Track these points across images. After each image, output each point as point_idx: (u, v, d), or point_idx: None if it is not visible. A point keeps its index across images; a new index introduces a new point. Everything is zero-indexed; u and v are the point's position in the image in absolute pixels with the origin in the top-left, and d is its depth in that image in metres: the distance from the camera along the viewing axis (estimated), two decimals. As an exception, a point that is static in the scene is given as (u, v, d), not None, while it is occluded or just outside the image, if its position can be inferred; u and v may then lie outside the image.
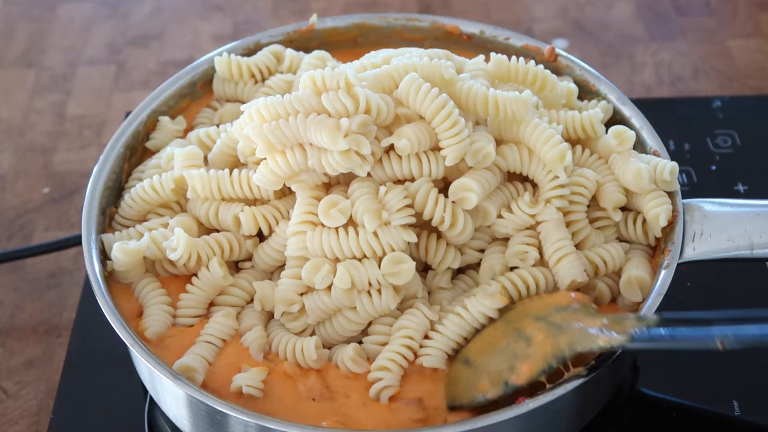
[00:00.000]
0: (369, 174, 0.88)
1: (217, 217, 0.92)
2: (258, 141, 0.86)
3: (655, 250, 0.92)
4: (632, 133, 0.94)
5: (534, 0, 1.50)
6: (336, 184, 0.90)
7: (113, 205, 0.96)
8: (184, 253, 0.89)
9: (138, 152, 1.01)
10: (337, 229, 0.86)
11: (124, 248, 0.89)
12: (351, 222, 0.87)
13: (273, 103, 0.86)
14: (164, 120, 1.03)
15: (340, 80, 0.85)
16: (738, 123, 1.24)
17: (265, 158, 0.87)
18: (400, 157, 0.88)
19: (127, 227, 0.94)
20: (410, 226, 0.87)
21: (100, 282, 0.88)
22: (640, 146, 0.96)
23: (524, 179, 0.92)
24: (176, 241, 0.89)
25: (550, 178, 0.89)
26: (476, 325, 0.86)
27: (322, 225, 0.87)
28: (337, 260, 0.87)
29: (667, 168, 0.90)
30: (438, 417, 0.84)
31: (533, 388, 0.82)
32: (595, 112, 0.95)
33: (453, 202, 0.87)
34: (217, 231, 0.93)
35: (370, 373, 0.85)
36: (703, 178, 1.17)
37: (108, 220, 0.96)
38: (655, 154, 0.95)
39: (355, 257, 0.86)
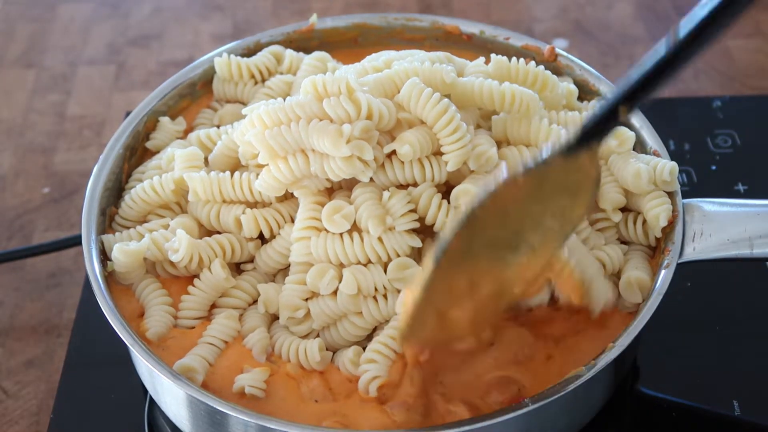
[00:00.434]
0: (372, 179, 0.88)
1: (218, 219, 0.92)
2: (260, 147, 0.86)
3: (655, 251, 0.92)
4: (632, 134, 0.94)
5: (534, 0, 1.50)
6: (338, 189, 0.90)
7: (113, 206, 0.96)
8: (186, 255, 0.89)
9: (138, 152, 1.01)
10: (341, 234, 0.86)
11: (124, 249, 0.89)
12: (355, 227, 0.87)
13: (275, 110, 0.86)
14: (164, 120, 1.03)
15: (341, 85, 0.85)
16: (738, 123, 1.24)
17: (267, 164, 0.87)
18: (402, 162, 0.88)
19: (128, 228, 0.94)
20: (414, 231, 0.87)
21: (101, 282, 0.88)
22: (640, 146, 0.96)
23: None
24: (178, 242, 0.89)
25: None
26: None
27: (326, 231, 0.87)
28: (342, 266, 0.87)
29: (667, 168, 0.90)
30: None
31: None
32: (595, 113, 0.95)
33: (455, 207, 0.87)
34: (218, 232, 0.93)
35: (359, 367, 0.85)
36: (703, 178, 1.17)
37: (108, 221, 0.96)
38: (655, 154, 0.95)
39: (359, 263, 0.86)
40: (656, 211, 0.89)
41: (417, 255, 0.89)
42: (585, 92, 1.03)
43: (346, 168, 0.85)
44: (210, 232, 0.93)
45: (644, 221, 0.91)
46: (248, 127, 0.88)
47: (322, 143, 0.84)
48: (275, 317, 0.90)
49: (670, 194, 0.91)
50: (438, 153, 0.88)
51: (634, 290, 0.88)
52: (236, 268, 0.93)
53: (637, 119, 0.98)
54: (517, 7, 1.49)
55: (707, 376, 0.98)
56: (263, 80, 1.05)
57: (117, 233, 0.94)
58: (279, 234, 0.91)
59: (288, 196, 0.92)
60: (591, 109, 0.98)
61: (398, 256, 0.86)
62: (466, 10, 1.48)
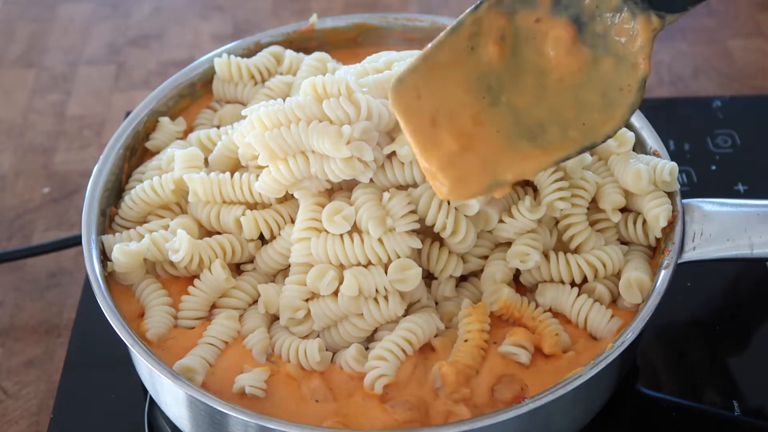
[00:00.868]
0: (372, 180, 0.88)
1: (218, 220, 0.92)
2: (260, 149, 0.86)
3: (654, 251, 0.92)
4: (631, 134, 0.94)
5: (534, 0, 1.50)
6: (339, 190, 0.90)
7: (113, 206, 0.96)
8: (187, 255, 0.89)
9: (138, 152, 1.01)
10: (341, 235, 0.86)
11: (124, 250, 0.89)
12: (355, 228, 0.87)
13: (274, 111, 0.86)
14: (164, 120, 1.03)
15: (341, 86, 0.85)
16: (738, 123, 1.24)
17: (267, 166, 0.87)
18: (402, 163, 0.88)
19: (128, 228, 0.94)
20: (414, 232, 0.87)
21: (101, 282, 0.88)
22: (640, 146, 0.96)
23: (524, 183, 0.92)
24: (179, 242, 0.89)
25: (551, 181, 0.89)
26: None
27: (327, 232, 0.87)
28: (342, 267, 0.87)
29: (667, 168, 0.90)
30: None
31: None
32: (595, 113, 0.95)
33: (455, 208, 0.87)
34: (218, 233, 0.93)
35: (367, 362, 0.85)
36: (703, 178, 1.17)
37: (108, 221, 0.96)
38: (655, 154, 0.95)
39: (360, 264, 0.86)
40: (656, 211, 0.89)
41: (417, 256, 0.89)
42: (585, 92, 1.03)
43: (346, 169, 0.85)
44: (210, 233, 0.93)
45: (644, 221, 0.91)
46: (248, 128, 0.88)
47: (322, 144, 0.84)
48: (275, 318, 0.90)
49: (670, 194, 0.91)
50: None
51: (634, 291, 0.88)
52: (236, 269, 0.93)
53: (637, 119, 0.98)
54: (517, 7, 1.49)
55: (707, 376, 0.98)
56: (263, 81, 1.05)
57: (117, 234, 0.94)
58: (279, 235, 0.91)
59: (288, 197, 0.92)
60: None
61: (398, 257, 0.86)
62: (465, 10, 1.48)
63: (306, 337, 0.88)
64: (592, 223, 0.92)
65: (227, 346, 0.87)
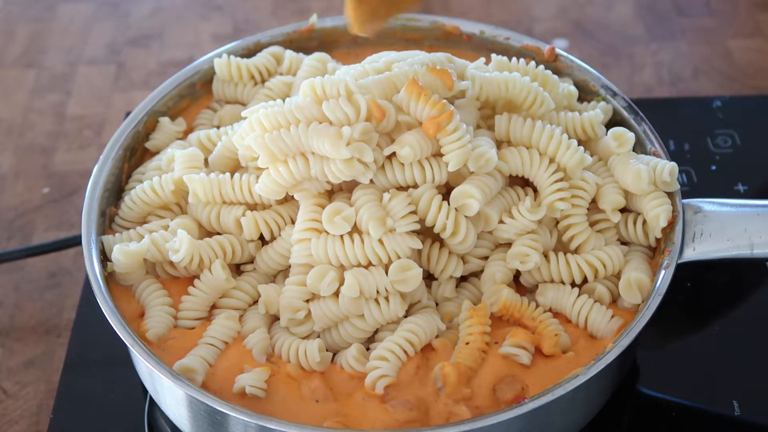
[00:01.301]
0: (372, 181, 0.88)
1: (218, 221, 0.92)
2: (260, 151, 0.86)
3: (654, 251, 0.92)
4: (632, 135, 0.94)
5: (534, 0, 1.50)
6: (339, 191, 0.90)
7: (113, 206, 0.96)
8: (187, 255, 0.89)
9: (138, 152, 1.01)
10: (342, 236, 0.86)
11: (124, 250, 0.89)
12: (355, 229, 0.87)
13: (274, 113, 0.86)
14: (164, 121, 1.03)
15: (340, 88, 0.85)
16: (738, 123, 1.24)
17: (267, 168, 0.87)
18: (402, 164, 0.88)
19: (127, 229, 0.94)
20: (414, 233, 0.87)
21: (101, 283, 0.88)
22: (639, 146, 0.96)
23: (524, 184, 0.93)
24: (179, 242, 0.89)
25: (551, 181, 0.89)
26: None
27: (327, 233, 0.87)
28: (342, 267, 0.87)
29: (667, 168, 0.90)
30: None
31: None
32: (595, 113, 0.95)
33: (455, 209, 0.87)
34: (218, 233, 0.93)
35: (369, 362, 0.85)
36: (703, 178, 1.17)
37: (108, 221, 0.96)
38: (655, 154, 0.95)
39: (360, 265, 0.86)
40: (656, 211, 0.89)
41: (418, 257, 0.89)
42: (585, 92, 1.03)
43: (346, 170, 0.85)
44: (210, 233, 0.93)
45: (644, 222, 0.91)
46: (247, 130, 0.88)
47: (322, 146, 0.84)
48: (275, 318, 0.90)
49: (670, 195, 0.91)
50: (438, 154, 0.88)
51: (634, 291, 0.88)
52: (236, 269, 0.93)
53: (637, 119, 0.98)
54: (517, 7, 1.49)
55: (707, 376, 0.98)
56: (263, 81, 1.05)
57: (117, 234, 0.94)
58: (279, 236, 0.91)
59: (288, 198, 0.91)
60: (591, 109, 0.98)
61: (399, 258, 0.86)
62: (466, 10, 1.48)
63: (306, 337, 0.88)
64: (592, 224, 0.92)
65: (227, 347, 0.87)
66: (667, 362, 1.00)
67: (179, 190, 0.94)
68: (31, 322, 1.10)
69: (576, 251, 0.91)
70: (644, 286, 0.87)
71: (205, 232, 0.93)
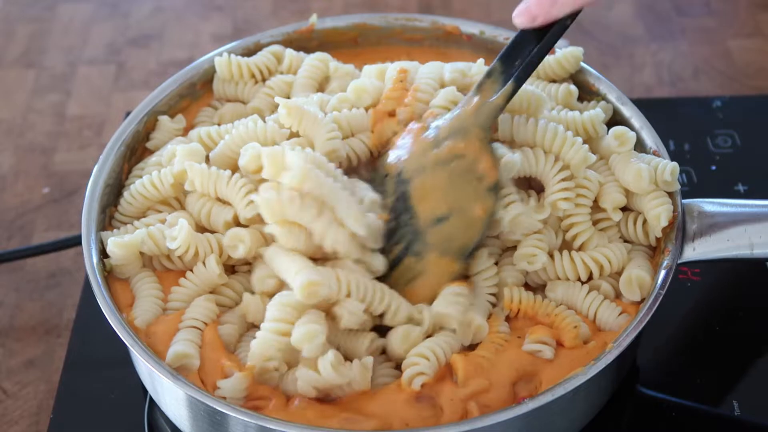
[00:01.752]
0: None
1: (209, 219, 0.92)
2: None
3: (655, 251, 0.92)
4: (633, 134, 0.94)
5: (534, 0, 1.50)
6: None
7: (113, 205, 0.96)
8: (184, 244, 0.88)
9: (138, 152, 1.01)
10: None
11: (118, 242, 0.89)
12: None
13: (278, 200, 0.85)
14: (164, 120, 1.02)
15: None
16: (738, 123, 1.24)
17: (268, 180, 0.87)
18: None
19: (126, 224, 0.94)
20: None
21: (99, 280, 0.88)
22: (640, 146, 0.96)
23: (528, 186, 0.93)
24: (178, 230, 0.89)
25: (558, 179, 0.90)
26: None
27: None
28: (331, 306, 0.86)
29: (668, 168, 0.90)
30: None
31: None
32: (596, 113, 0.95)
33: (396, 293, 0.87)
34: (209, 231, 0.92)
35: (407, 358, 0.84)
36: (703, 178, 1.17)
37: (108, 220, 0.96)
38: (655, 154, 0.95)
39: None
40: (657, 211, 0.89)
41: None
42: (585, 92, 1.03)
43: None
44: (203, 230, 0.93)
45: (644, 221, 0.91)
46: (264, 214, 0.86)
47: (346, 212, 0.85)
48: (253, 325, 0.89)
49: (671, 194, 0.91)
50: None
51: (634, 288, 0.88)
52: (230, 269, 0.93)
53: (637, 119, 0.98)
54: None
55: (707, 376, 0.98)
56: (263, 80, 1.05)
57: (115, 230, 0.94)
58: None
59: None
60: (591, 109, 0.98)
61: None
62: (466, 10, 1.48)
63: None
64: (594, 223, 0.92)
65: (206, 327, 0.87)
66: (667, 362, 1.00)
67: (178, 184, 0.93)
68: (31, 322, 1.10)
69: (579, 250, 0.91)
70: (645, 283, 0.88)
71: (200, 229, 0.93)
